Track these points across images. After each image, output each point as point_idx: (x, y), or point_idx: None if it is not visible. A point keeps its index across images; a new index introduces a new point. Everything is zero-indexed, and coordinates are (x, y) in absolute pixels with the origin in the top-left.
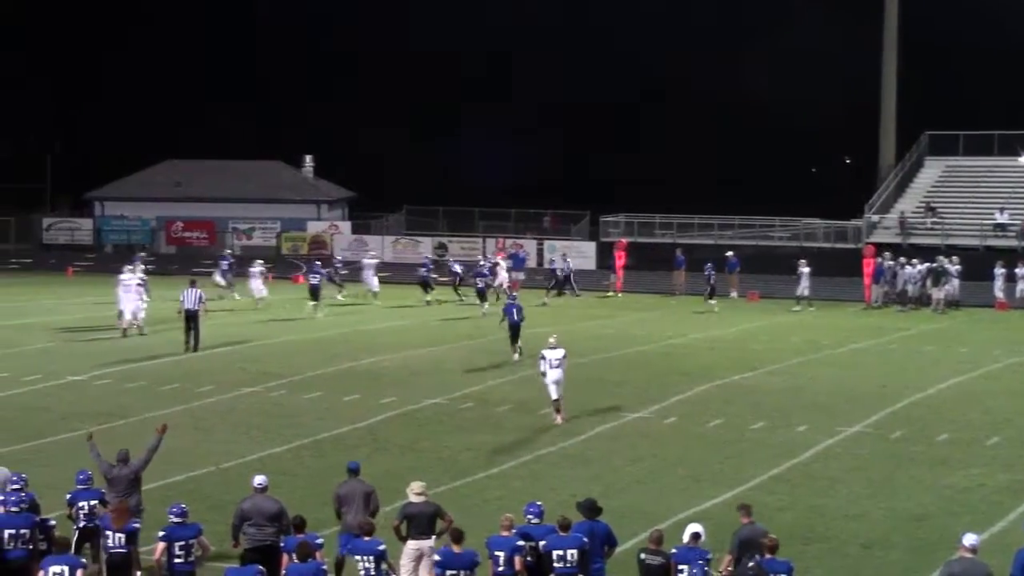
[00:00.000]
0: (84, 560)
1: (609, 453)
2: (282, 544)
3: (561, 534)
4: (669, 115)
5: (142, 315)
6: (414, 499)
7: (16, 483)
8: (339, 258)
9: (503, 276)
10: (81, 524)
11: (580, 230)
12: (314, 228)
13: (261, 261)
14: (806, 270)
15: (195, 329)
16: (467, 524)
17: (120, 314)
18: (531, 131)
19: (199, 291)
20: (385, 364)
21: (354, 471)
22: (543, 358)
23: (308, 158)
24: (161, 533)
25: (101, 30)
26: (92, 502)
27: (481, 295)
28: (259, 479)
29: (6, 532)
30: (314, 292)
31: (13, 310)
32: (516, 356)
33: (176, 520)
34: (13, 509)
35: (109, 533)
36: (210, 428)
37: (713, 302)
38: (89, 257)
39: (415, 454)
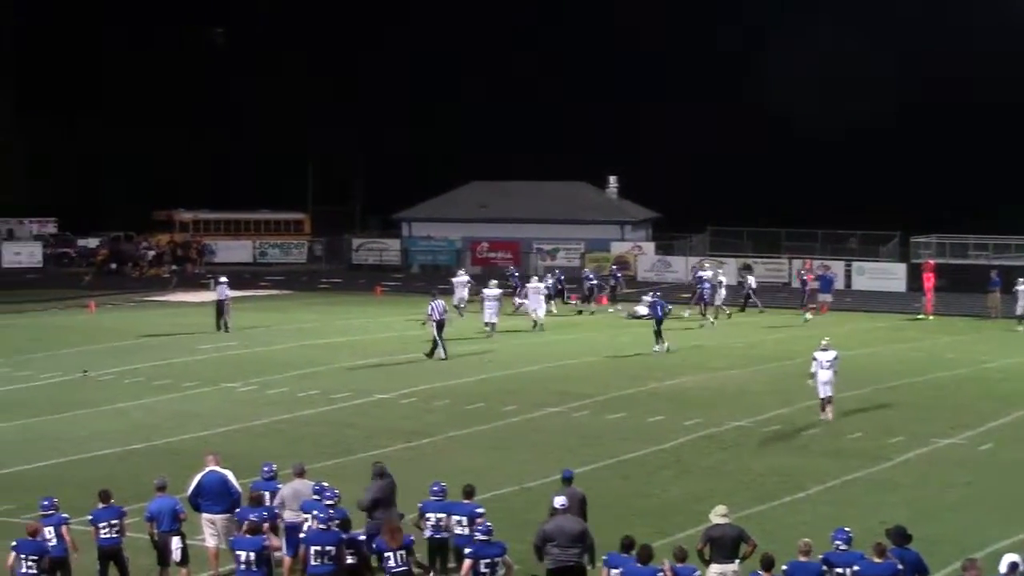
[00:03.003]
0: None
1: (920, 479)
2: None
3: (876, 560)
4: (988, 135)
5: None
6: (718, 521)
7: (330, 498)
8: (513, 271)
9: (722, 293)
10: (427, 535)
11: (889, 251)
12: (617, 248)
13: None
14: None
15: (440, 338)
16: (772, 549)
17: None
18: (838, 151)
19: (442, 302)
20: (689, 385)
21: (569, 480)
22: (815, 359)
23: (613, 179)
24: (468, 550)
25: (417, 58)
26: (440, 515)
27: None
28: (560, 500)
29: (312, 548)
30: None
31: (324, 329)
32: (656, 348)
33: (482, 538)
34: (321, 526)
35: (389, 554)
36: (513, 447)
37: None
38: (397, 277)
39: (719, 476)
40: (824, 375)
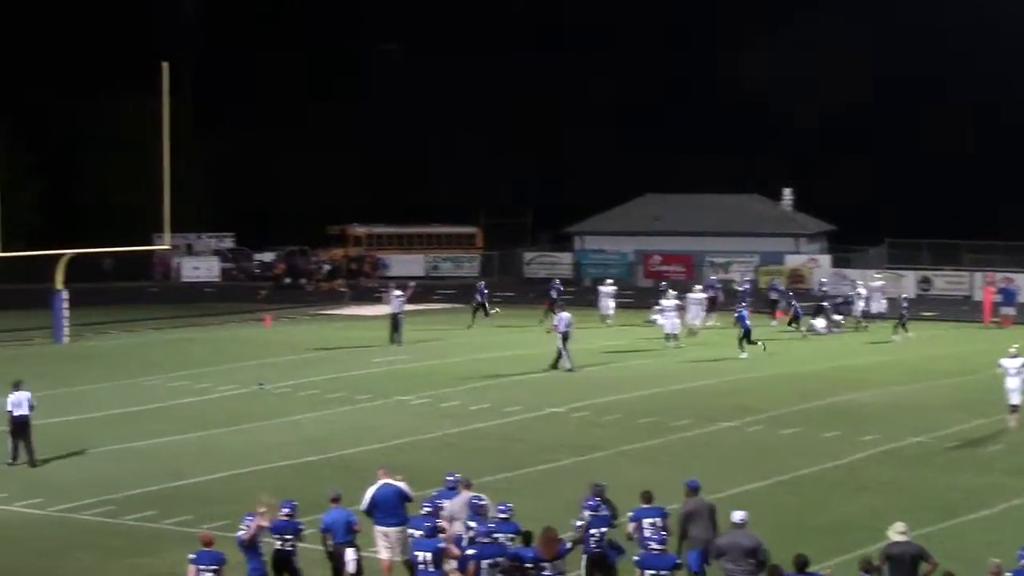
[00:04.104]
0: None
1: None
2: None
3: None
4: None
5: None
6: (897, 539)
7: (503, 512)
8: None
9: (859, 306)
10: (591, 549)
11: None
12: (792, 262)
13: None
14: None
15: (565, 349)
16: (953, 569)
17: (667, 336)
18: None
19: (567, 315)
20: (867, 400)
21: (695, 489)
22: (1001, 366)
23: (787, 191)
24: (636, 558)
25: (587, 74)
26: (603, 529)
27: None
28: (739, 515)
29: (484, 563)
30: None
31: (496, 342)
32: (743, 355)
33: (656, 548)
34: (484, 539)
35: (546, 564)
36: (686, 462)
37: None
38: (569, 290)
39: (897, 493)
40: (1011, 382)
